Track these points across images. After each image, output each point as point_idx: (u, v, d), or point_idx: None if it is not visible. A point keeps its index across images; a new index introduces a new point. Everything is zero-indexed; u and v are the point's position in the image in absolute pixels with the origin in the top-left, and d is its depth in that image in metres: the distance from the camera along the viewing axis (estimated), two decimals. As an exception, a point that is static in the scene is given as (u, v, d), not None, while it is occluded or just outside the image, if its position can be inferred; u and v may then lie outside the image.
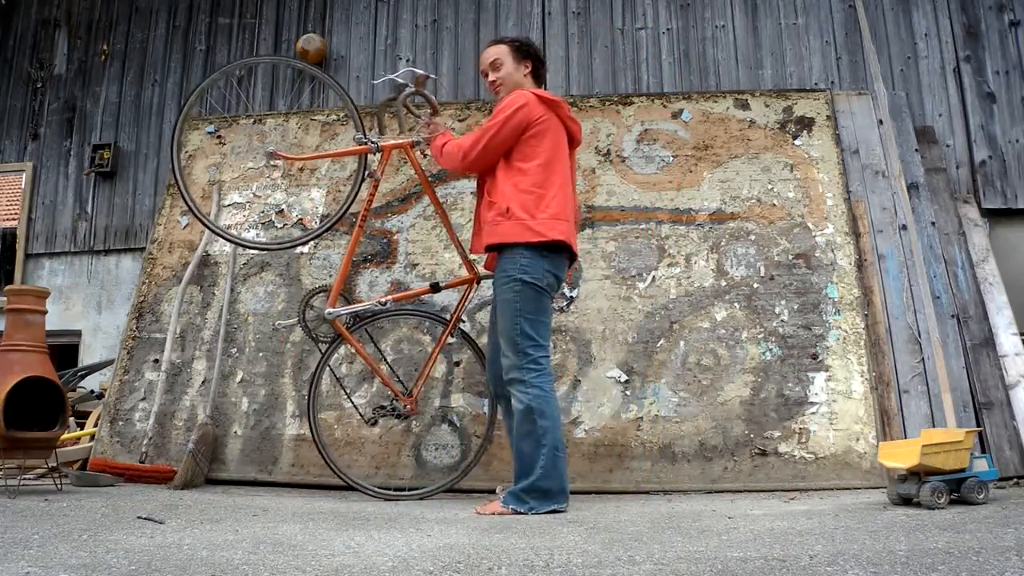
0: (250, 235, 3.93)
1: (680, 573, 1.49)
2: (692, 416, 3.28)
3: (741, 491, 3.07)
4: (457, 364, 3.50)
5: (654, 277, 3.57)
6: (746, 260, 3.56)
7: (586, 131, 3.92)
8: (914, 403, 3.28)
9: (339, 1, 4.88)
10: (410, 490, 3.07)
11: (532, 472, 2.52)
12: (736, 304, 3.47)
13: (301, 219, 3.95)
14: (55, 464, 3.09)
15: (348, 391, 3.46)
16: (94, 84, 5.05)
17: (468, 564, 1.60)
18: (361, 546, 1.83)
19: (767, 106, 3.93)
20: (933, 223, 3.74)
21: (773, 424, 3.22)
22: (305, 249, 3.88)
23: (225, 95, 4.75)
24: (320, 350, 3.12)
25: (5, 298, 3.19)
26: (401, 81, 3.09)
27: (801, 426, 3.20)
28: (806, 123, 3.87)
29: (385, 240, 3.86)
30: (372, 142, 3.04)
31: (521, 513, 2.47)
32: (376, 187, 3.10)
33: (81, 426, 3.86)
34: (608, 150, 3.89)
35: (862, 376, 3.26)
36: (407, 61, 4.69)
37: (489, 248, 2.73)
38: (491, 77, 2.86)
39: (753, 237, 3.61)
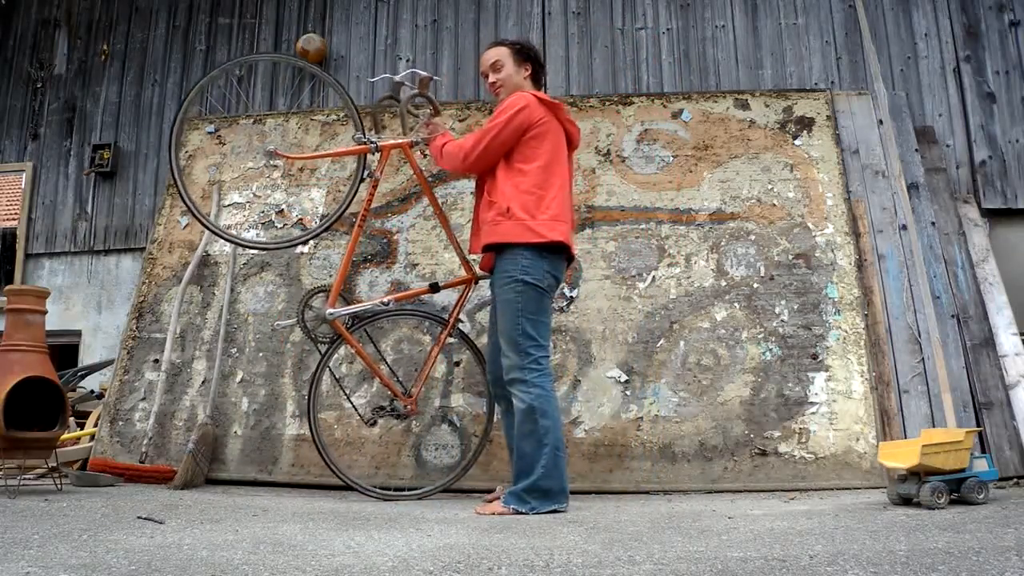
0: (250, 235, 3.93)
1: (680, 573, 1.49)
2: (692, 416, 3.28)
3: (741, 491, 3.07)
4: (457, 364, 3.50)
5: (654, 277, 3.57)
6: (746, 260, 3.56)
7: (586, 131, 3.92)
8: (914, 403, 3.28)
9: (339, 1, 4.88)
10: (408, 490, 3.07)
11: (533, 472, 2.53)
12: (736, 304, 3.47)
13: (301, 219, 3.95)
14: (55, 464, 3.09)
15: (348, 391, 3.46)
16: (94, 84, 5.05)
17: (468, 564, 1.60)
18: (361, 546, 1.83)
19: (767, 106, 3.93)
20: (933, 223, 3.74)
21: (773, 424, 3.22)
22: (305, 249, 3.88)
23: (225, 95, 4.75)
24: (319, 351, 3.12)
25: (5, 298, 3.19)
26: (397, 80, 3.10)
27: (801, 426, 3.20)
28: (806, 123, 3.87)
29: (385, 240, 3.86)
30: (371, 142, 3.05)
31: (522, 513, 2.48)
32: (375, 187, 3.10)
33: (81, 426, 3.86)
34: (608, 150, 3.89)
35: (862, 376, 3.26)
36: (407, 61, 4.69)
37: (488, 248, 2.73)
38: (492, 78, 2.88)
39: (753, 237, 3.61)
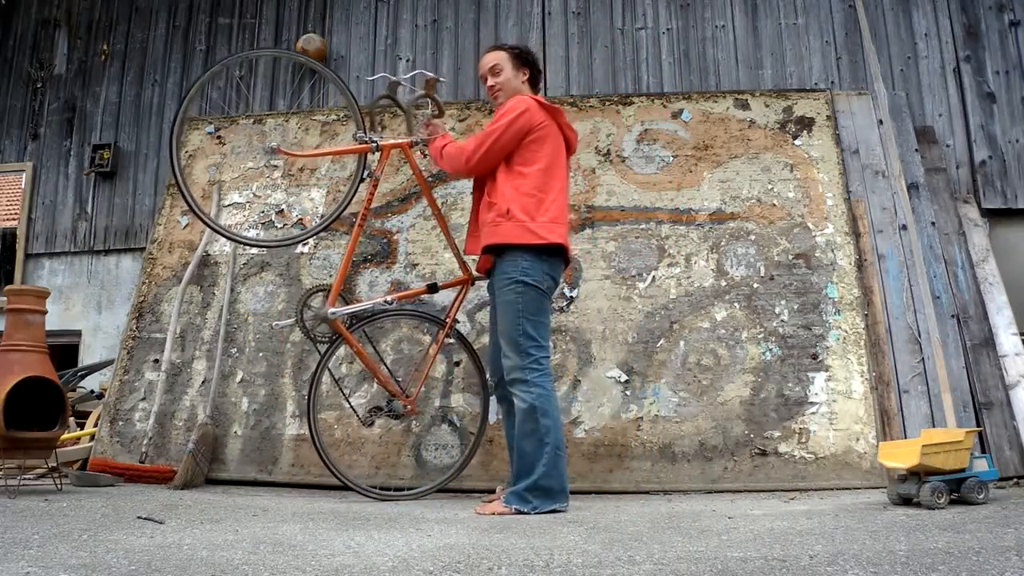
0: (250, 235, 3.93)
1: (680, 573, 1.49)
2: (692, 416, 3.28)
3: (741, 491, 3.07)
4: (457, 364, 3.50)
5: (654, 277, 3.57)
6: (746, 260, 3.56)
7: (586, 131, 3.92)
8: (914, 403, 3.28)
9: (339, 1, 4.88)
10: (404, 490, 3.06)
11: (534, 471, 2.54)
12: (736, 304, 3.47)
13: (301, 219, 3.95)
14: (55, 464, 3.09)
15: (348, 392, 3.46)
16: (94, 84, 5.05)
17: (468, 564, 1.60)
18: (361, 546, 1.83)
19: (767, 106, 3.93)
20: (933, 223, 3.74)
21: (773, 424, 3.22)
22: (305, 249, 3.89)
23: (225, 95, 4.75)
24: (318, 351, 3.12)
25: (5, 298, 3.19)
26: (394, 80, 3.10)
27: (801, 426, 3.20)
28: (806, 123, 3.87)
29: (385, 240, 3.86)
30: (372, 141, 3.05)
31: (524, 512, 2.49)
32: (375, 187, 3.10)
33: (81, 426, 3.86)
34: (608, 150, 3.89)
35: (862, 376, 3.26)
36: (407, 61, 4.69)
37: (488, 249, 2.74)
38: (490, 82, 2.90)
39: (753, 237, 3.61)
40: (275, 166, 4.14)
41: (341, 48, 4.80)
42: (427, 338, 3.53)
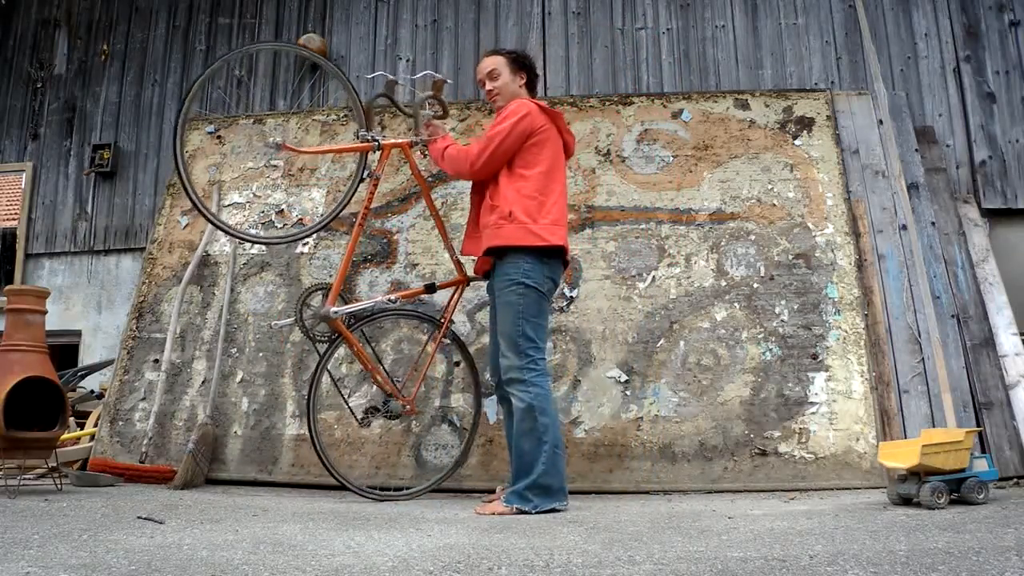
0: (251, 233, 3.92)
1: (680, 573, 1.49)
2: (692, 416, 3.28)
3: (741, 491, 3.07)
4: (457, 364, 3.50)
5: (654, 277, 3.57)
6: (746, 260, 3.56)
7: (586, 131, 3.92)
8: (914, 403, 3.28)
9: (339, 1, 4.88)
10: (399, 490, 3.05)
11: (533, 470, 2.56)
12: (736, 304, 3.47)
13: (301, 219, 3.95)
14: (55, 464, 3.09)
15: (348, 392, 3.46)
16: (94, 84, 5.05)
17: (468, 564, 1.60)
18: (361, 546, 1.83)
19: (767, 106, 3.93)
20: (933, 223, 3.74)
21: (773, 424, 3.22)
22: (305, 249, 3.89)
23: (225, 95, 4.75)
24: (316, 350, 3.11)
25: (5, 298, 3.19)
26: (392, 78, 3.10)
27: (801, 426, 3.20)
28: (806, 123, 3.87)
29: (385, 240, 3.86)
30: (374, 139, 3.04)
31: (525, 511, 2.50)
32: (376, 186, 3.09)
33: (81, 426, 3.86)
34: (608, 150, 3.89)
35: (862, 376, 3.26)
36: (407, 61, 4.70)
37: (490, 251, 2.74)
38: (488, 86, 2.93)
39: (753, 237, 3.61)
40: (275, 166, 4.14)
41: (341, 48, 4.80)
42: (427, 338, 3.53)
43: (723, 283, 3.52)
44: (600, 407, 3.33)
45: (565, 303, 3.55)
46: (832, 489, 3.02)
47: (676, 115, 3.95)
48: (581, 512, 2.54)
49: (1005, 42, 4.29)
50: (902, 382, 3.33)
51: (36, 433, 2.92)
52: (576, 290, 3.58)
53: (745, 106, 3.94)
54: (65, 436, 3.37)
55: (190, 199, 2.87)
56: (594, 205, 3.76)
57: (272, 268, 3.88)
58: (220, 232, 3.98)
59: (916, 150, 3.95)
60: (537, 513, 2.50)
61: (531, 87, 2.98)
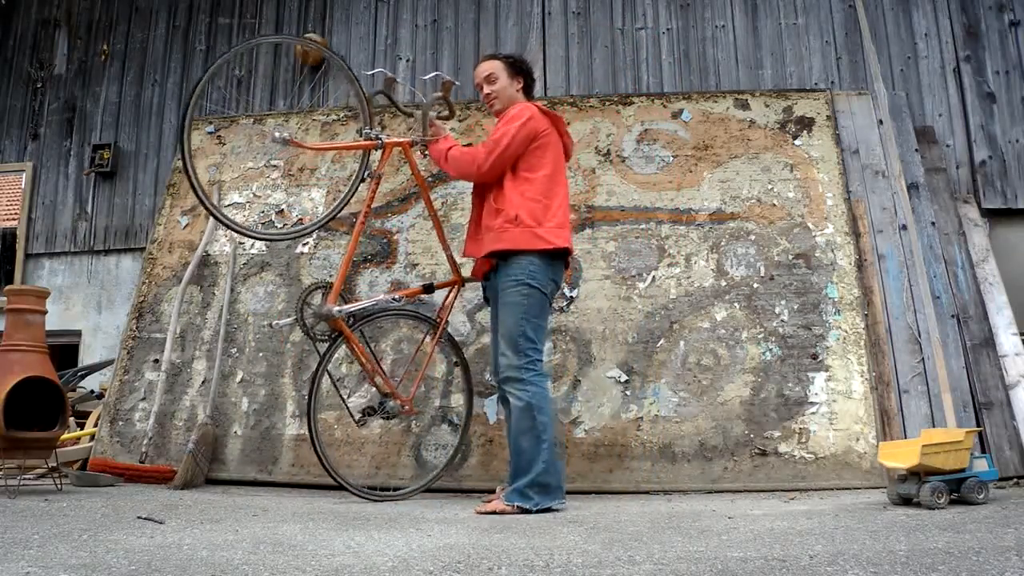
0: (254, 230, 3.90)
1: (680, 573, 1.49)
2: (692, 416, 3.28)
3: (741, 491, 3.07)
4: (457, 364, 3.50)
5: (654, 277, 3.57)
6: (746, 260, 3.56)
7: (586, 131, 3.92)
8: (914, 403, 3.28)
9: (339, 1, 4.88)
10: (397, 490, 3.05)
11: (533, 468, 2.58)
12: (736, 304, 3.47)
13: (301, 219, 3.95)
14: (55, 464, 3.09)
15: (348, 392, 3.46)
16: (94, 84, 5.05)
17: (468, 564, 1.60)
18: (361, 546, 1.83)
19: (767, 106, 3.93)
20: (933, 223, 3.74)
21: (773, 424, 3.21)
22: (305, 249, 3.89)
23: (225, 95, 4.75)
24: (316, 349, 3.10)
25: (5, 298, 3.19)
26: (391, 76, 3.09)
27: (801, 426, 3.20)
28: (806, 123, 3.87)
29: (385, 240, 3.86)
30: (378, 137, 3.04)
31: (527, 509, 2.52)
32: (378, 184, 3.08)
33: (81, 426, 3.86)
34: (608, 150, 3.89)
35: (862, 376, 3.26)
36: (407, 61, 4.70)
37: (495, 254, 2.75)
38: (486, 90, 2.95)
39: (753, 237, 3.61)
40: (275, 166, 4.14)
41: (341, 48, 4.80)
42: (425, 338, 3.53)
43: (723, 283, 3.52)
44: (600, 407, 3.33)
45: (565, 303, 3.55)
46: (832, 489, 3.02)
47: (676, 115, 3.95)
48: (581, 512, 2.54)
49: (1005, 42, 4.29)
50: (902, 382, 3.33)
51: (36, 433, 2.92)
52: (576, 290, 3.58)
53: (745, 106, 3.94)
54: (65, 436, 3.37)
55: (194, 191, 2.80)
56: (594, 205, 3.76)
57: (272, 268, 3.88)
58: (221, 232, 4.00)
59: (916, 150, 3.95)
60: (538, 511, 2.53)
61: (528, 91, 3.00)
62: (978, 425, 3.22)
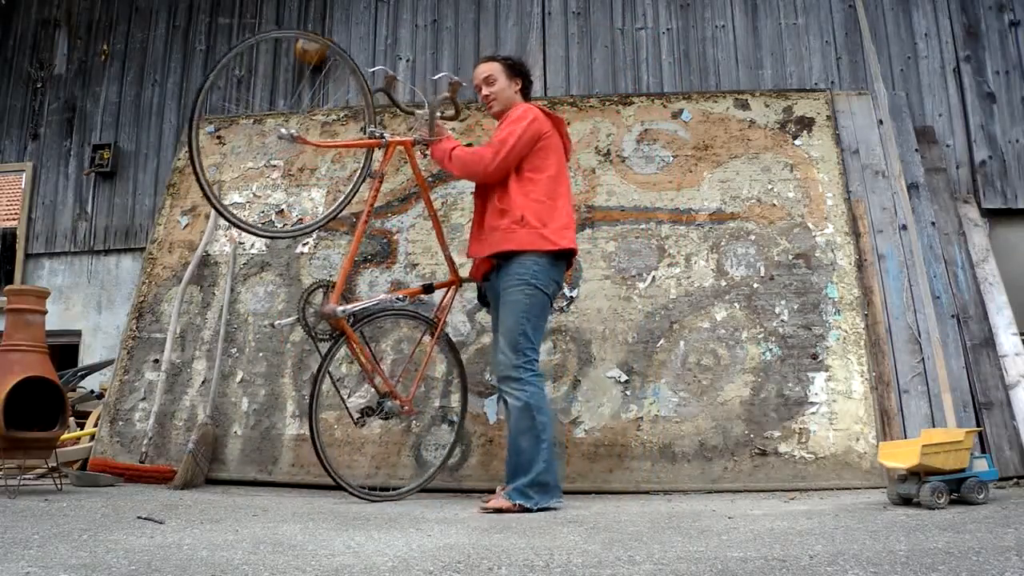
0: (250, 237, 3.91)
1: (680, 573, 1.49)
2: (692, 416, 3.28)
3: (741, 491, 3.07)
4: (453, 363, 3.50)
5: (654, 277, 3.57)
6: (746, 260, 3.56)
7: (586, 131, 3.92)
8: (914, 403, 3.28)
9: (339, 1, 4.88)
10: (395, 490, 3.04)
11: (533, 467, 2.60)
12: (736, 304, 3.47)
13: (301, 219, 3.95)
14: (55, 464, 3.09)
15: (349, 392, 3.45)
16: (94, 84, 5.05)
17: (468, 564, 1.60)
18: (361, 546, 1.83)
19: (767, 106, 3.93)
20: (933, 223, 3.74)
21: (773, 424, 3.21)
22: (305, 249, 3.89)
23: (225, 96, 4.75)
24: (317, 349, 3.09)
25: (5, 298, 3.19)
26: (391, 75, 3.08)
27: (801, 426, 3.20)
28: (806, 123, 3.87)
29: (385, 240, 3.86)
30: (382, 135, 3.03)
31: (528, 508, 2.54)
32: (380, 183, 3.07)
33: (81, 426, 3.86)
34: (608, 150, 3.89)
35: (862, 376, 3.26)
36: (407, 61, 4.70)
37: (501, 254, 2.75)
38: (485, 92, 2.96)
39: (753, 237, 3.61)
40: (275, 166, 4.14)
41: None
42: (425, 338, 3.53)
43: (723, 283, 3.52)
44: (600, 407, 3.33)
45: (565, 303, 3.55)
46: (832, 489, 3.02)
47: (676, 115, 3.95)
48: (581, 512, 2.54)
49: (1005, 42, 4.29)
50: (902, 382, 3.33)
51: (36, 433, 2.92)
52: (576, 290, 3.58)
53: (745, 106, 3.94)
54: (65, 436, 3.37)
55: (202, 190, 2.76)
56: (594, 205, 3.76)
57: (272, 268, 3.88)
58: (221, 232, 4.00)
59: (916, 150, 3.95)
60: (538, 510, 2.55)
61: (526, 93, 3.01)
62: (978, 425, 3.22)
